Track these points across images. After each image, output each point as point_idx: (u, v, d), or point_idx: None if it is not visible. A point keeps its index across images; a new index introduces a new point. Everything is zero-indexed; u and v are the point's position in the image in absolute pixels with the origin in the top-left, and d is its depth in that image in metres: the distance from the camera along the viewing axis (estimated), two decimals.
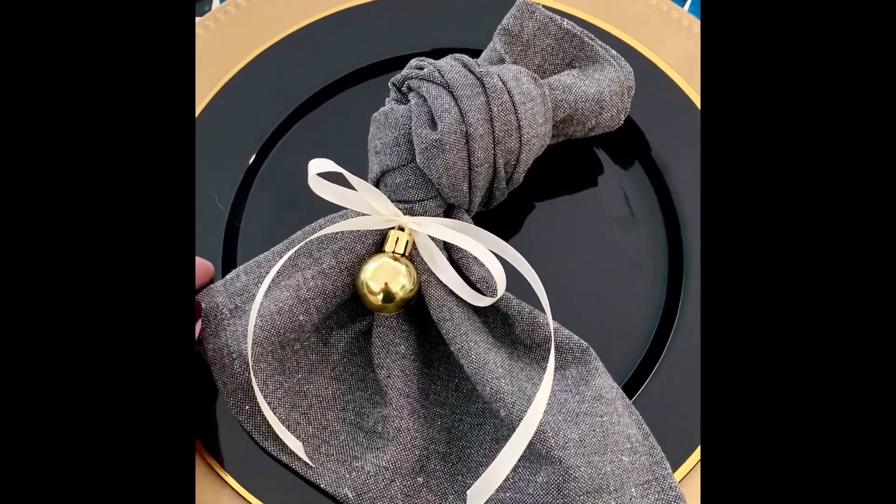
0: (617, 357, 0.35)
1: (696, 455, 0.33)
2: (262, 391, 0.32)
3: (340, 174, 0.32)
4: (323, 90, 0.40)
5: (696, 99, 0.40)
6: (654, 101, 0.39)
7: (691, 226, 0.37)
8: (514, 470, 0.31)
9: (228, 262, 0.37)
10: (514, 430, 0.30)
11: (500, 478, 0.29)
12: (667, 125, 0.39)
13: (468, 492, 0.30)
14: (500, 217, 0.37)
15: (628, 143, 0.39)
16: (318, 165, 0.32)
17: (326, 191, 0.33)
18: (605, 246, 0.37)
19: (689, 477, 0.33)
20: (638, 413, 0.33)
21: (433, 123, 0.32)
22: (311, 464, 0.32)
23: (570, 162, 0.39)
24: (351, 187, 0.33)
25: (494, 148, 0.33)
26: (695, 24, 0.41)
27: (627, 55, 0.39)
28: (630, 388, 0.34)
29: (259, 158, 0.39)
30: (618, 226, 0.38)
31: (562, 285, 0.36)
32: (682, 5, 0.45)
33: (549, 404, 0.31)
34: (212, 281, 0.35)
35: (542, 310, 0.33)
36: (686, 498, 0.31)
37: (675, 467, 0.32)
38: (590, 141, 0.39)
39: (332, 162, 0.32)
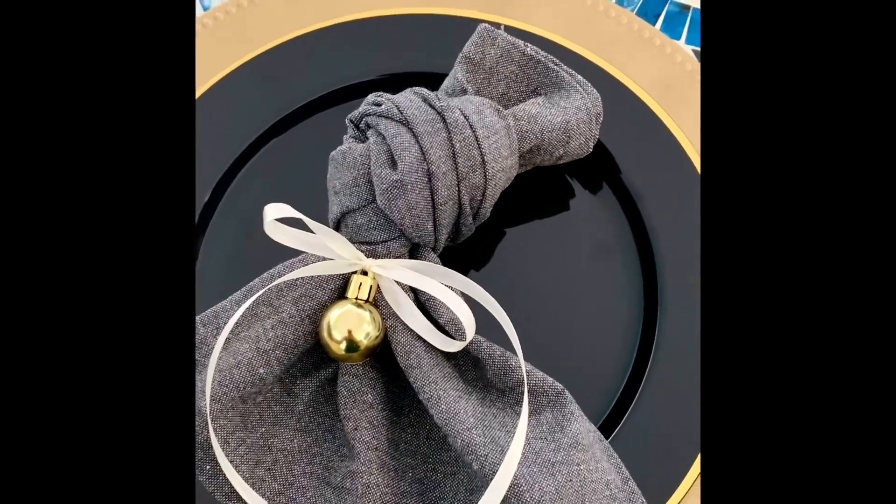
0: (593, 394, 0.34)
1: (679, 495, 0.32)
2: (223, 449, 0.31)
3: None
4: (282, 119, 0.39)
5: (668, 121, 0.38)
6: (626, 125, 0.38)
7: (665, 252, 0.36)
8: None
9: None
10: (488, 483, 0.29)
11: None
12: (639, 150, 0.38)
13: None
14: (469, 251, 0.36)
15: (599, 169, 0.38)
16: (274, 210, 0.31)
17: (285, 236, 0.31)
18: (577, 277, 0.36)
19: None
20: (617, 457, 0.31)
21: (393, 163, 0.31)
22: None
23: (539, 190, 0.37)
24: (310, 230, 0.31)
25: (459, 185, 0.31)
26: (667, 44, 0.40)
27: (597, 77, 0.38)
28: (608, 426, 0.33)
29: (217, 191, 0.37)
30: (590, 256, 0.37)
31: (534, 321, 0.35)
32: (654, 23, 0.44)
33: (523, 454, 0.29)
34: None
35: (515, 352, 0.31)
36: None
37: None
38: (559, 168, 0.38)
39: (289, 207, 0.31)
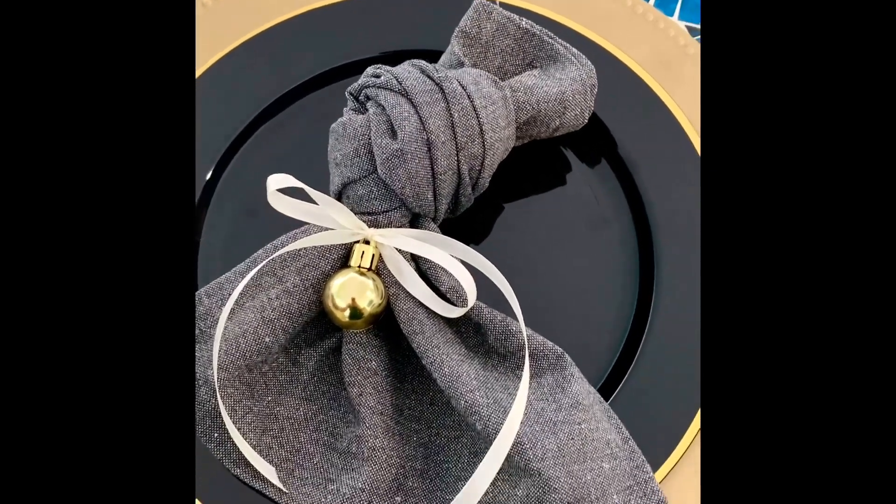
0: (592, 359, 0.34)
1: (677, 454, 0.32)
2: (230, 417, 0.31)
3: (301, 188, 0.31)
4: (282, 97, 0.39)
5: (663, 94, 0.39)
6: (620, 98, 0.39)
7: (661, 223, 0.37)
8: (493, 484, 0.30)
9: None
10: (491, 443, 0.29)
11: (478, 494, 0.29)
12: (633, 122, 0.39)
13: None
14: (468, 223, 0.36)
15: (595, 142, 0.38)
16: (277, 181, 0.31)
17: (287, 206, 0.32)
18: (575, 247, 0.37)
19: (668, 478, 0.32)
20: (616, 417, 0.32)
21: (393, 133, 0.32)
22: (284, 489, 0.31)
23: (536, 163, 0.38)
24: (312, 201, 0.32)
25: (458, 154, 0.32)
26: (661, 19, 0.41)
27: (592, 52, 0.39)
28: (607, 390, 0.34)
29: (218, 169, 0.38)
30: (587, 226, 0.37)
31: (533, 290, 0.35)
32: (648, 0, 0.45)
33: (525, 415, 0.30)
34: None
35: (515, 317, 0.32)
36: (668, 500, 0.31)
37: (655, 468, 0.32)
38: (556, 141, 0.38)
39: (291, 177, 0.31)
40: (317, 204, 0.32)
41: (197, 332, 0.32)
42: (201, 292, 0.33)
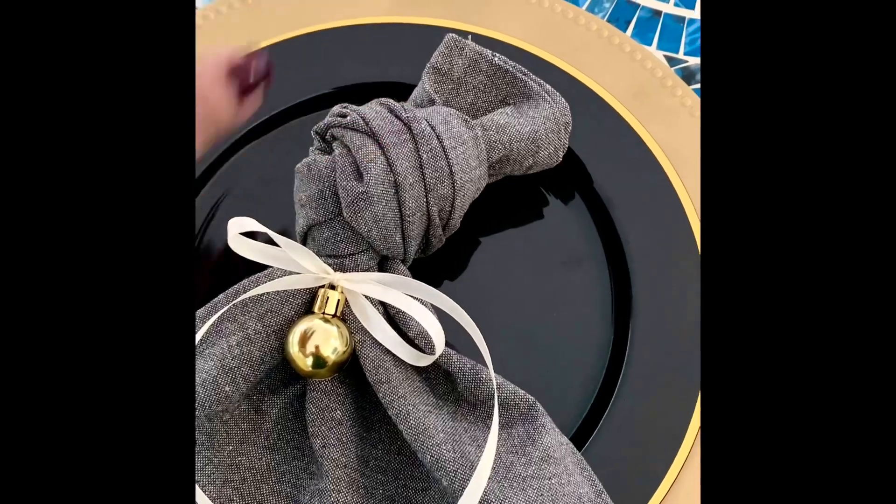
0: (566, 404, 0.33)
1: (654, 503, 0.32)
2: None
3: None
4: (249, 132, 0.38)
5: (638, 127, 0.38)
6: (595, 132, 0.38)
7: (637, 261, 0.36)
8: None
9: None
10: (458, 499, 0.28)
11: None
12: (608, 156, 0.38)
13: None
14: (440, 262, 0.35)
15: (570, 177, 0.38)
16: (238, 224, 0.30)
17: (249, 250, 0.31)
18: (549, 287, 0.36)
19: None
20: (590, 469, 0.31)
21: (359, 174, 0.31)
22: None
23: (510, 200, 0.37)
24: (276, 244, 0.31)
25: (427, 196, 0.31)
26: (638, 50, 0.40)
27: (567, 84, 0.38)
28: (581, 436, 0.33)
29: None
30: (561, 265, 0.36)
31: (506, 332, 0.34)
32: (625, 29, 0.44)
33: (493, 469, 0.29)
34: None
35: (485, 364, 0.31)
36: None
37: None
38: (530, 176, 0.37)
39: (253, 220, 0.30)
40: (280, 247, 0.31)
41: None
42: None
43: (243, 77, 0.30)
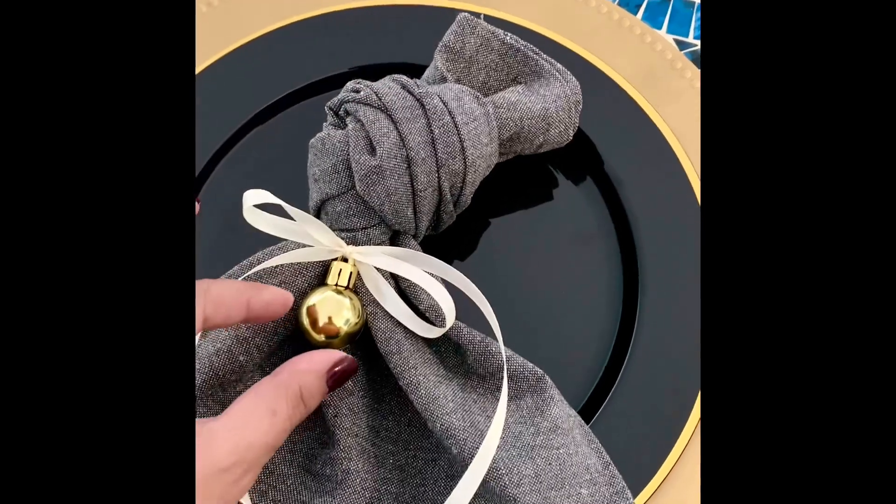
0: (574, 379, 0.34)
1: (660, 476, 0.32)
2: None
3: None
4: (263, 111, 0.39)
5: (649, 109, 0.39)
6: (606, 113, 0.38)
7: (645, 240, 0.36)
8: None
9: None
10: (467, 468, 0.29)
11: None
12: (618, 137, 0.38)
13: None
14: (450, 239, 0.36)
15: (580, 157, 0.38)
16: (253, 197, 0.31)
17: (264, 223, 0.31)
18: (558, 264, 0.36)
19: (651, 501, 0.32)
20: (597, 441, 0.31)
21: (372, 149, 0.31)
22: None
23: (520, 179, 0.38)
24: (290, 217, 0.31)
25: (438, 171, 0.32)
26: (648, 33, 0.40)
27: (578, 66, 0.38)
28: (588, 410, 0.33)
29: (197, 183, 0.37)
30: (570, 243, 0.37)
31: (516, 307, 0.35)
32: (636, 13, 0.44)
33: (502, 439, 0.29)
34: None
35: (495, 337, 0.31)
36: None
37: (637, 492, 0.31)
38: (541, 156, 0.38)
39: (268, 193, 0.31)
40: (294, 220, 0.31)
41: None
42: None
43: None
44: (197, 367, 0.30)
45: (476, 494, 0.29)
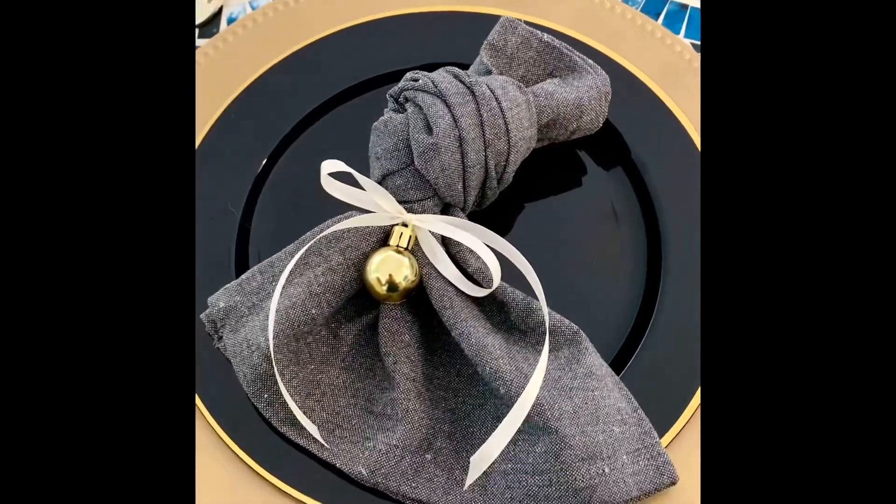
0: (604, 339, 0.37)
1: (680, 423, 0.35)
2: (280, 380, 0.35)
3: (348, 175, 0.35)
4: (326, 102, 0.44)
5: (670, 103, 0.43)
6: (632, 107, 0.43)
7: (668, 220, 0.40)
8: (514, 443, 0.33)
9: (241, 263, 0.39)
10: (513, 405, 0.32)
11: (500, 446, 0.31)
12: (644, 129, 0.42)
13: (471, 458, 0.32)
14: (493, 216, 0.40)
15: (608, 147, 0.42)
16: (329, 166, 0.35)
17: (337, 189, 0.36)
18: (589, 241, 0.40)
19: (672, 444, 0.35)
20: (627, 389, 0.35)
21: (429, 129, 0.36)
22: (326, 445, 0.34)
23: (555, 165, 0.42)
24: (359, 187, 0.36)
25: (485, 150, 0.36)
26: (668, 36, 0.45)
27: (605, 65, 0.43)
28: (616, 367, 0.37)
29: (268, 166, 0.42)
30: (600, 223, 0.41)
31: (551, 278, 0.38)
32: (657, 19, 0.49)
33: (544, 381, 0.33)
34: None
35: (536, 297, 0.35)
36: (672, 461, 0.34)
37: (660, 435, 0.35)
38: (573, 145, 0.42)
39: (342, 163, 0.35)
40: (363, 189, 0.35)
41: (250, 304, 0.36)
42: (254, 270, 0.37)
43: None
44: (275, 318, 0.34)
45: (521, 430, 0.33)
